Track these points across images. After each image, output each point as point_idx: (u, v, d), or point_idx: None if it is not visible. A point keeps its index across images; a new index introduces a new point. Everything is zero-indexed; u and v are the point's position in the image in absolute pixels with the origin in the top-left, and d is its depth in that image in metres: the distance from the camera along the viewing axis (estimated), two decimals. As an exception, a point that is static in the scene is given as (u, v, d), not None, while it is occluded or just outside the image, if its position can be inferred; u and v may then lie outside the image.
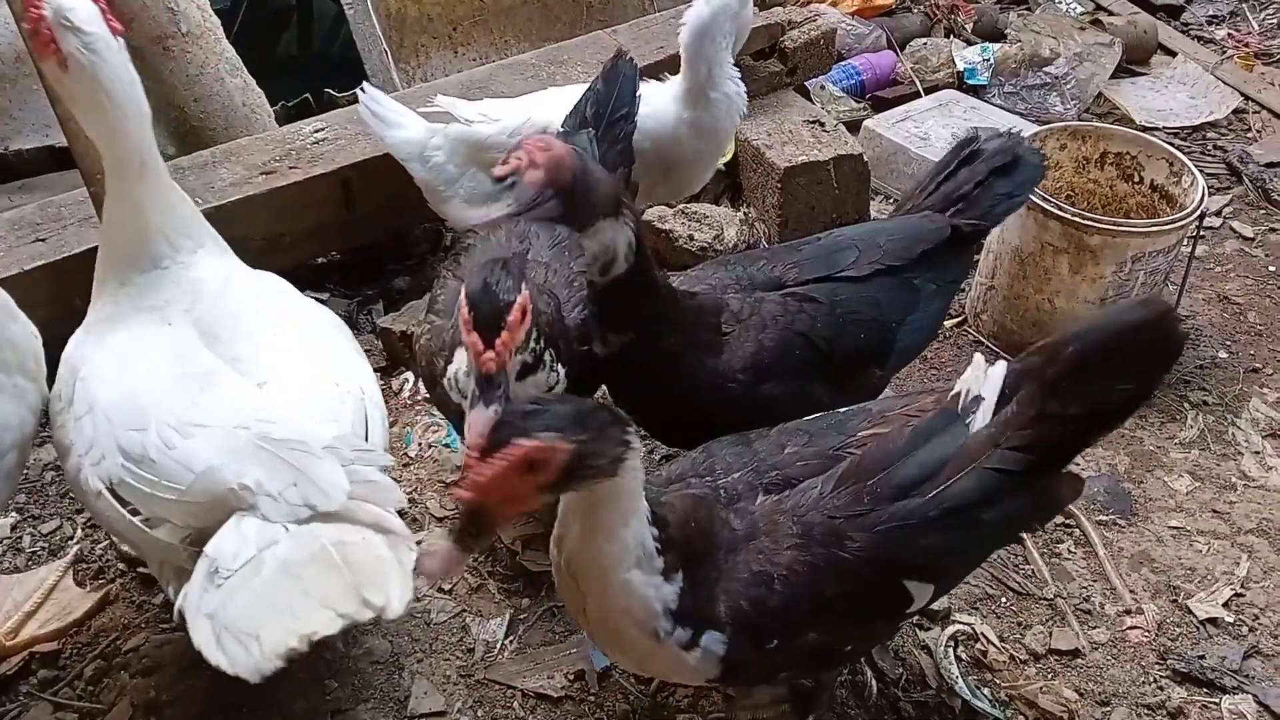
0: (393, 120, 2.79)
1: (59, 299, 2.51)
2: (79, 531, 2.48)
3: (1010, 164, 2.30)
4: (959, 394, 1.75)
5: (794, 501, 1.68)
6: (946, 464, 1.67)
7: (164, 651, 2.20)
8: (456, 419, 2.15)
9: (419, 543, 1.71)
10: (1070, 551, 2.46)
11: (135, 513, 1.78)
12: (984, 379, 1.74)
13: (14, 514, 2.52)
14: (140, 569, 2.35)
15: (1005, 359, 1.79)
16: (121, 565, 2.39)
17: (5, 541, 2.47)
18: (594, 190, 1.82)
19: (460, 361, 2.01)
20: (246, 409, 1.80)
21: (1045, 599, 2.34)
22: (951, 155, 2.37)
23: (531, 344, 1.91)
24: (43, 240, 2.68)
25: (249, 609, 1.60)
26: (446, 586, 2.33)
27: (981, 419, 1.71)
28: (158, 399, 1.81)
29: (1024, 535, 2.39)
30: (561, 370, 2.00)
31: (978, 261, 3.10)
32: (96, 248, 2.55)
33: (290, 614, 1.58)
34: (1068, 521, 2.51)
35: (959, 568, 1.85)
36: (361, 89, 2.84)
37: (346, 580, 1.61)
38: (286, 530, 1.67)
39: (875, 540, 1.64)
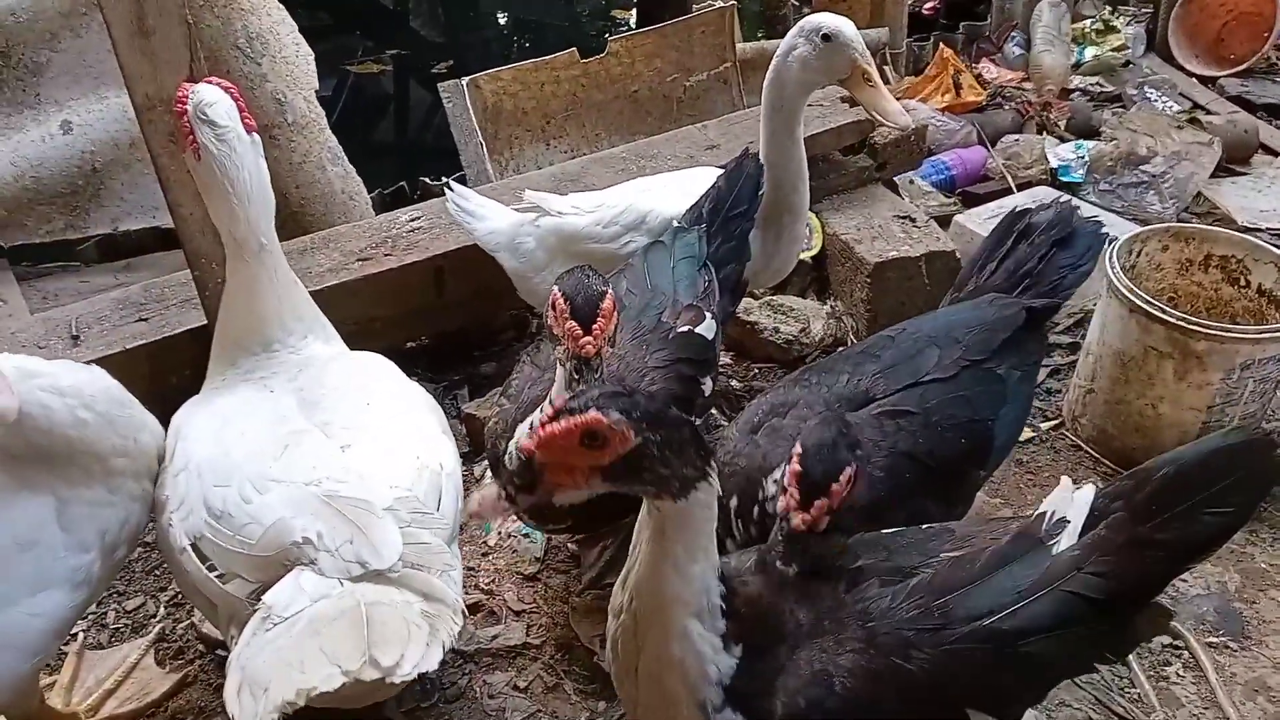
0: (480, 214, 2.86)
1: (157, 377, 2.58)
2: (162, 610, 2.50)
3: (1069, 235, 2.25)
4: (1043, 515, 1.69)
5: (863, 606, 1.62)
6: (1025, 589, 1.60)
7: (238, 737, 2.18)
8: None
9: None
10: (1179, 675, 2.31)
11: (212, 569, 1.80)
12: (1070, 501, 1.69)
13: (101, 589, 2.55)
14: (219, 651, 2.35)
15: (1094, 484, 1.72)
16: (201, 646, 2.39)
17: (90, 617, 2.49)
18: None
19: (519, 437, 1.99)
20: (323, 468, 1.84)
21: (1153, 727, 2.20)
22: (1003, 231, 2.31)
23: None
24: (145, 320, 2.76)
25: (269, 661, 1.61)
26: (523, 684, 2.28)
27: (1066, 542, 1.65)
28: (246, 457, 1.86)
29: (1130, 658, 2.26)
30: None
31: (1075, 362, 3.01)
32: (196, 329, 2.64)
33: (299, 668, 1.57)
34: (1176, 643, 2.37)
35: (1024, 697, 1.74)
36: (448, 186, 2.92)
37: (360, 637, 1.60)
38: (340, 585, 1.69)
39: (941, 658, 1.57)
